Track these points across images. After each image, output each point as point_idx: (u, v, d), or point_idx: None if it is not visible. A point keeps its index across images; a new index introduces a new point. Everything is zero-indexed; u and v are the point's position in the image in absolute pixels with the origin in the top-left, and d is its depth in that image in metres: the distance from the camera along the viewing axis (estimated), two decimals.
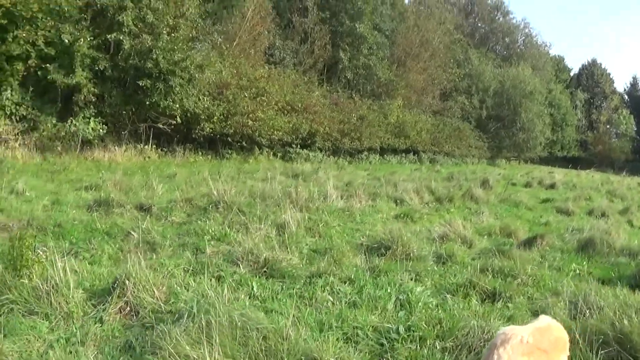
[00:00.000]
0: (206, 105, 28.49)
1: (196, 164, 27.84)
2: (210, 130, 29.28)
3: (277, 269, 8.17)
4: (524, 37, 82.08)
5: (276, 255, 8.40)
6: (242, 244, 8.73)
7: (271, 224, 11.13)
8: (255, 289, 7.32)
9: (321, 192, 16.21)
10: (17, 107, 22.79)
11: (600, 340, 5.64)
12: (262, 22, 37.45)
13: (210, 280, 7.26)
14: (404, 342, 5.84)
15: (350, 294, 7.33)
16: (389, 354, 5.61)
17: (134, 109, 26.40)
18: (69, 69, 23.09)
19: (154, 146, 28.41)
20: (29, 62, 22.41)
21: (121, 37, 24.06)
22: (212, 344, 4.98)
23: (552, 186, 30.82)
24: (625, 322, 5.87)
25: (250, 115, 30.74)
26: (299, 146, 36.26)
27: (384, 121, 43.31)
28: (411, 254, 9.59)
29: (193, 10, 27.64)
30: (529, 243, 12.03)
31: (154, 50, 24.36)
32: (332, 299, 7.07)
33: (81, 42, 22.96)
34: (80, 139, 24.10)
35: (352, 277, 8.02)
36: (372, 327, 6.17)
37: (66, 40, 22.65)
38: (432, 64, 52.95)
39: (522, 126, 64.18)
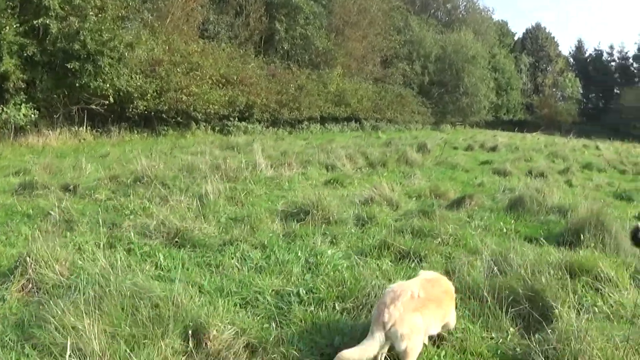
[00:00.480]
0: (139, 84, 28.10)
1: (131, 142, 27.50)
2: (145, 107, 28.86)
3: (188, 239, 8.17)
4: (465, 2, 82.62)
5: (188, 226, 8.40)
6: (155, 216, 8.71)
7: (192, 195, 11.11)
8: (162, 259, 7.32)
9: (253, 162, 16.22)
10: None
11: (511, 298, 5.77)
12: None
13: (119, 253, 7.21)
14: (303, 304, 5.92)
15: (259, 259, 7.37)
16: (284, 317, 5.68)
17: (65, 92, 25.90)
18: None
19: (89, 128, 27.94)
20: None
21: (48, 22, 23.50)
22: (99, 315, 4.96)
23: (493, 149, 31.20)
24: (543, 279, 6.02)
25: (184, 91, 30.40)
26: (236, 119, 35.98)
27: (323, 90, 43.25)
28: (330, 218, 9.67)
29: None
30: (457, 204, 12.19)
31: (81, 32, 23.86)
32: (238, 265, 7.10)
33: (7, 30, 22.48)
34: (13, 126, 23.61)
35: (265, 243, 8.07)
36: (274, 290, 6.25)
37: None
38: (371, 31, 52.84)
39: (465, 91, 64.67)
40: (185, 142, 27.31)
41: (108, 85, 25.79)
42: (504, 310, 5.55)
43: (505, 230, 9.51)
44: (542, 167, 19.90)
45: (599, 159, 27.87)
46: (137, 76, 28.34)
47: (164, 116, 30.93)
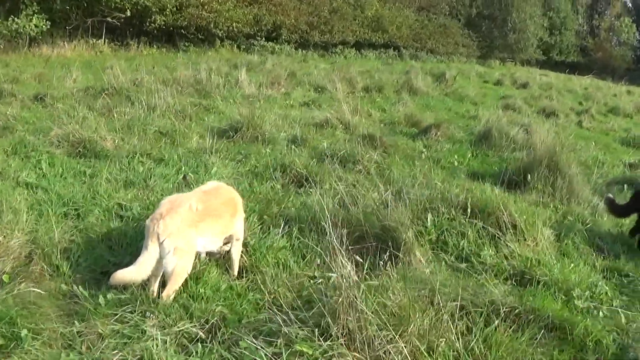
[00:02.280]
0: None
1: (148, 56, 27.17)
2: (163, 22, 28.40)
3: (90, 149, 7.89)
4: None
5: (93, 137, 8.09)
6: (67, 125, 8.43)
7: (141, 106, 10.83)
8: (44, 167, 7.06)
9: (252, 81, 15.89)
10: None
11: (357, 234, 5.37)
12: None
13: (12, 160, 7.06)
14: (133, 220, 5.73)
15: (140, 172, 7.06)
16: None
17: (83, 4, 25.66)
18: None
19: (107, 41, 27.76)
20: None
21: None
22: None
23: (524, 86, 30.13)
24: (396, 217, 5.51)
25: (205, 7, 29.77)
26: (263, 39, 35.27)
27: (360, 14, 41.97)
28: (259, 137, 9.29)
29: None
30: (424, 133, 11.68)
31: None
32: (111, 177, 6.79)
33: None
34: (28, 37, 23.58)
35: (164, 158, 7.75)
36: (118, 204, 6.02)
37: None
38: None
39: (513, 27, 62.50)
40: (202, 58, 26.78)
41: None
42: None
43: (456, 164, 9.04)
44: (555, 107, 19.08)
45: (631, 104, 26.55)
46: None
47: (184, 32, 30.34)
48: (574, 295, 4.93)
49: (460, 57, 56.48)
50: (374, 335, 3.60)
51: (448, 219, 5.97)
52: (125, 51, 27.97)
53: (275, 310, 3.87)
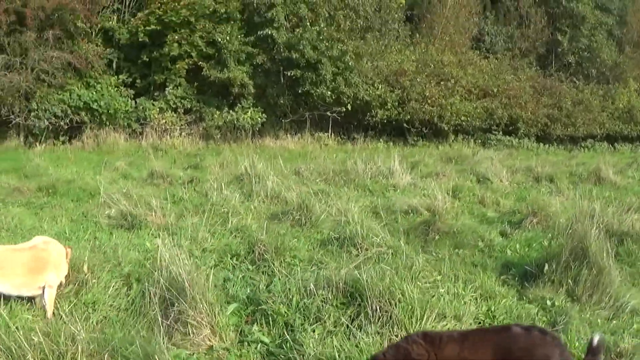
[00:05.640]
0: (378, 93, 28.80)
1: (372, 150, 27.77)
2: (386, 116, 29.35)
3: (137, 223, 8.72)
4: None
5: (141, 213, 8.91)
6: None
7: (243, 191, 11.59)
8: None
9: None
10: (182, 100, 26.35)
11: None
12: (466, 8, 36.70)
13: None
14: None
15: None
16: None
17: (299, 100, 27.92)
18: (224, 64, 25.73)
19: (333, 134, 29.33)
20: (187, 60, 25.87)
21: (271, 32, 25.91)
22: None
23: None
24: None
25: (428, 101, 30.13)
26: (500, 132, 34.61)
27: (610, 106, 39.63)
28: (303, 220, 9.66)
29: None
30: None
31: (301, 42, 25.60)
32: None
33: (232, 40, 25.56)
34: (251, 129, 26.43)
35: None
36: None
37: (219, 39, 25.49)
38: None
39: None
40: (420, 151, 26.65)
41: (330, 92, 27.04)
42: None
43: None
44: None
45: None
46: (380, 85, 29.08)
47: (407, 126, 30.87)
48: None
49: None
50: None
51: None
52: (352, 144, 29.08)
53: None
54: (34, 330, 4.90)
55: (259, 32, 26.14)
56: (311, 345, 5.11)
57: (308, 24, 26.06)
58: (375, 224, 9.01)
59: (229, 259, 7.72)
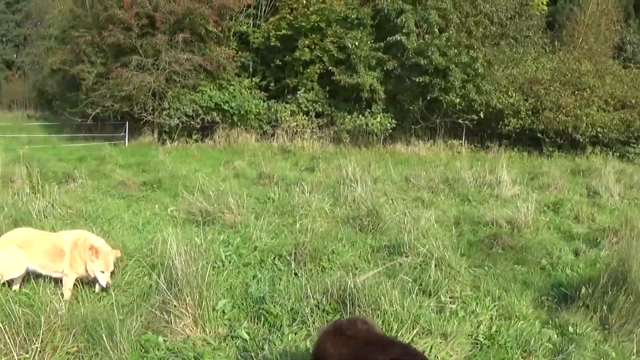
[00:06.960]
0: (510, 101, 28.13)
1: (507, 159, 26.84)
2: (519, 125, 28.65)
3: (211, 219, 10.23)
4: None
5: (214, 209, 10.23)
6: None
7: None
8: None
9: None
10: (314, 104, 27.44)
11: None
12: (608, 15, 35.37)
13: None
14: None
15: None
16: None
17: (430, 106, 27.91)
18: (354, 70, 26.31)
19: (467, 142, 29.00)
20: (319, 65, 26.90)
21: (400, 38, 26.03)
22: None
23: None
24: None
25: (563, 110, 29.13)
26: (639, 145, 32.80)
27: None
28: (370, 223, 10.04)
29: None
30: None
31: (429, 48, 25.50)
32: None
33: (362, 45, 26.07)
34: (382, 134, 26.78)
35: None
36: None
37: (349, 45, 26.04)
38: None
39: None
40: (554, 163, 25.62)
41: (460, 99, 26.94)
42: None
43: None
44: None
45: None
46: (514, 93, 28.50)
47: (541, 136, 29.86)
48: None
49: None
50: None
51: None
52: (485, 153, 28.51)
53: None
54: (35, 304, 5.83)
55: (388, 38, 26.39)
56: (276, 345, 5.47)
57: (436, 29, 26.07)
58: (443, 234, 9.18)
59: (271, 259, 8.04)
